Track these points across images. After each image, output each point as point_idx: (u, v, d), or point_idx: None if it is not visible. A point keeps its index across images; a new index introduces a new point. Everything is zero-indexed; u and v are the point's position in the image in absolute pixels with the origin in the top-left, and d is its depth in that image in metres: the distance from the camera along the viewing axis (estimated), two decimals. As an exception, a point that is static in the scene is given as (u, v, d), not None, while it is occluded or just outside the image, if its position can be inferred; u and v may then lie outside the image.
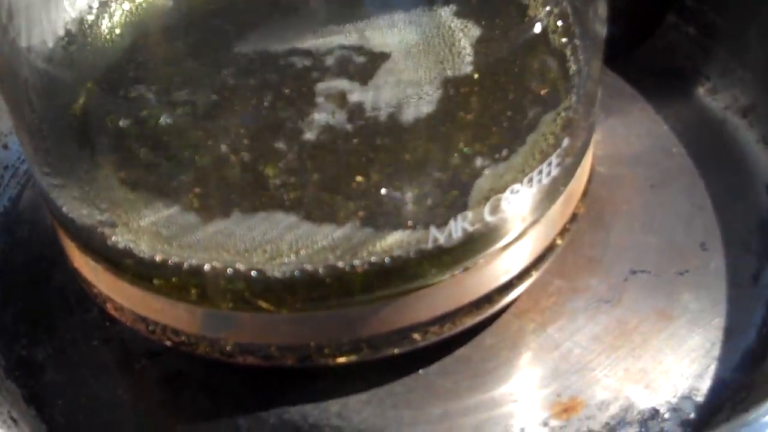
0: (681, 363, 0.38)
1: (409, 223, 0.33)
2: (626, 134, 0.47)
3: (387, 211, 0.34)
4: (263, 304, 0.34)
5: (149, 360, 0.39)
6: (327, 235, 0.33)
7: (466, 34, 0.36)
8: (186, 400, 0.38)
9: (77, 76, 0.35)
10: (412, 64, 0.35)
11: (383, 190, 0.33)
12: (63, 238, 0.38)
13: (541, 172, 0.35)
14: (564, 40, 0.37)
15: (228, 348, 0.36)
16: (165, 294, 0.35)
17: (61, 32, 0.35)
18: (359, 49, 0.35)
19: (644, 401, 0.37)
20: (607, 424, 0.37)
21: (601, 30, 0.38)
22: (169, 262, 0.34)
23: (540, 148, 0.35)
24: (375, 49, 0.35)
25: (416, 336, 0.36)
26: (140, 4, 0.37)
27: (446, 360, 0.39)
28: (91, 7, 0.37)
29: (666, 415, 0.37)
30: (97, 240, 0.35)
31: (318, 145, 0.33)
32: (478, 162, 0.34)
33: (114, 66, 0.36)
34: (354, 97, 0.34)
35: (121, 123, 0.34)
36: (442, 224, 0.34)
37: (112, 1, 0.37)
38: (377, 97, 0.34)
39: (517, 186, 0.34)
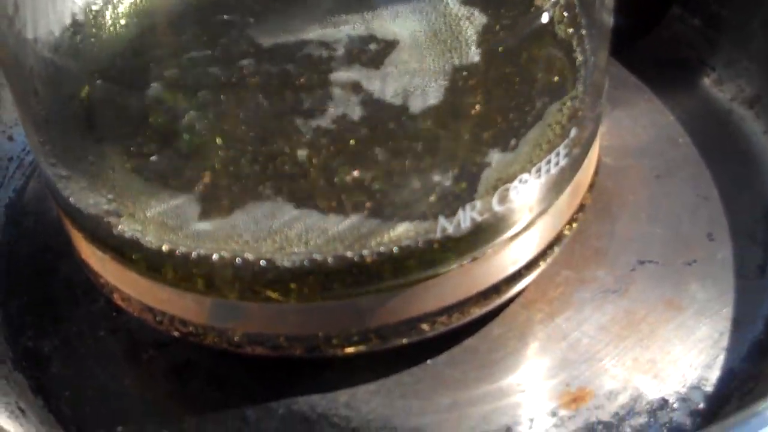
0: (689, 353, 0.38)
1: (418, 213, 0.33)
2: (632, 125, 0.46)
3: (395, 200, 0.34)
4: (272, 294, 0.34)
5: (156, 351, 0.39)
6: (336, 224, 0.33)
7: (473, 24, 0.35)
8: (194, 390, 0.38)
9: (83, 65, 0.35)
10: (419, 53, 0.35)
11: (392, 180, 0.33)
12: (70, 228, 0.38)
13: (549, 162, 0.35)
14: (571, 29, 0.37)
15: (236, 338, 0.36)
16: (172, 284, 0.35)
17: (68, 22, 0.35)
18: (366, 39, 0.35)
19: (653, 391, 0.37)
20: (616, 414, 0.37)
21: (608, 19, 0.38)
22: (177, 252, 0.34)
23: (547, 138, 0.35)
24: (382, 38, 0.35)
25: (424, 326, 0.36)
26: (147, -7, 0.37)
27: (454, 350, 0.39)
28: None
29: (675, 405, 0.37)
30: (104, 230, 0.35)
31: (326, 134, 0.33)
32: (487, 152, 0.34)
33: (120, 56, 0.36)
34: (362, 86, 0.34)
35: (127, 113, 0.34)
36: (450, 214, 0.33)
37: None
38: (385, 87, 0.34)
39: (525, 176, 0.34)
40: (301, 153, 0.33)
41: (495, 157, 0.34)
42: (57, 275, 0.42)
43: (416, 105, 0.34)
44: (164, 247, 0.34)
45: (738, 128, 0.46)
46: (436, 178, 0.33)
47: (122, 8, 0.36)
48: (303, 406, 0.37)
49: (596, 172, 0.40)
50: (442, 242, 0.34)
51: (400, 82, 0.34)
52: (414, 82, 0.34)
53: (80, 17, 0.36)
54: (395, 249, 0.33)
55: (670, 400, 0.37)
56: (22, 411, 0.38)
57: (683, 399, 0.37)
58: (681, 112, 0.47)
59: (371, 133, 0.34)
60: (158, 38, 0.37)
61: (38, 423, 0.38)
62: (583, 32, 0.37)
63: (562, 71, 0.36)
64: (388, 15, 0.35)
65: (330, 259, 0.33)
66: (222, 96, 0.34)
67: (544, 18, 0.35)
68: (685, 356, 0.38)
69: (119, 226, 0.35)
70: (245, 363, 0.38)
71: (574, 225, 0.39)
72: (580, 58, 0.37)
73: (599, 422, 0.37)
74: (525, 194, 0.35)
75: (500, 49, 0.35)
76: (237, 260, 0.33)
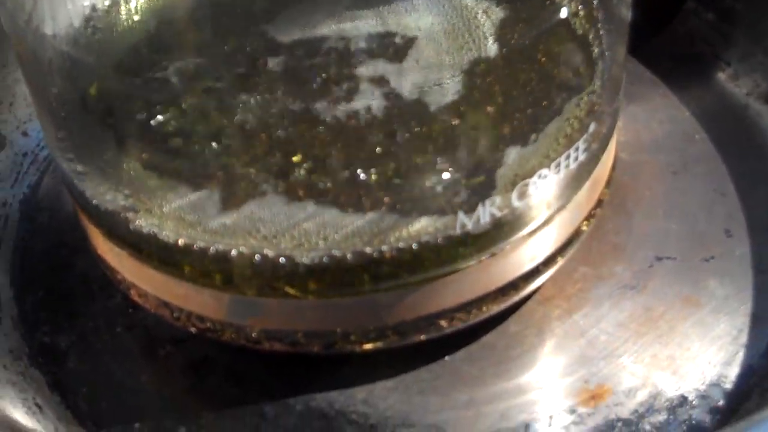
0: (708, 350, 0.38)
1: (437, 208, 0.33)
2: (648, 120, 0.46)
3: (415, 196, 0.33)
4: (290, 290, 0.34)
5: (174, 347, 0.39)
6: (355, 220, 0.33)
7: (491, 19, 0.35)
8: (211, 387, 0.38)
9: (101, 59, 0.35)
10: (437, 49, 0.35)
11: (411, 176, 0.33)
12: (86, 224, 0.38)
13: (568, 157, 0.35)
14: (589, 24, 0.36)
15: (254, 334, 0.36)
16: (190, 280, 0.35)
17: (86, 15, 0.35)
18: (384, 35, 0.35)
19: (672, 388, 0.37)
20: (636, 411, 0.37)
21: (626, 13, 0.37)
22: (195, 247, 0.34)
23: (566, 133, 0.35)
24: (400, 34, 0.35)
25: (442, 322, 0.36)
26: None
27: (472, 347, 0.39)
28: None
29: (694, 402, 0.37)
30: (121, 225, 0.35)
31: (345, 129, 0.33)
32: (506, 147, 0.34)
33: (138, 50, 0.36)
34: (380, 82, 0.34)
35: (145, 107, 0.34)
36: (470, 210, 0.33)
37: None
38: (403, 82, 0.34)
39: (544, 171, 0.34)
40: (320, 148, 0.33)
41: (514, 152, 0.34)
42: (72, 271, 0.42)
43: (435, 100, 0.34)
44: (182, 243, 0.34)
45: (754, 123, 0.46)
46: (456, 173, 0.33)
47: (140, 1, 0.36)
48: (321, 403, 0.37)
49: (613, 167, 0.40)
50: (461, 238, 0.34)
51: (419, 78, 0.34)
52: (432, 77, 0.34)
53: (98, 10, 0.35)
54: (414, 245, 0.33)
55: (690, 397, 0.37)
56: (39, 407, 0.38)
57: (702, 396, 0.37)
58: (697, 108, 0.47)
59: (390, 128, 0.33)
60: (176, 32, 0.37)
61: (55, 419, 0.37)
62: (601, 26, 0.37)
63: (581, 66, 0.36)
64: (406, 10, 0.35)
65: (349, 255, 0.33)
66: (240, 90, 0.34)
67: (563, 12, 0.35)
68: (704, 353, 0.38)
69: (137, 222, 0.34)
70: (263, 359, 0.38)
71: (592, 220, 0.39)
72: (598, 52, 0.37)
73: (618, 419, 0.36)
74: (544, 189, 0.35)
75: (519, 43, 0.35)
76: (256, 256, 0.33)
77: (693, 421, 0.36)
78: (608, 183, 0.39)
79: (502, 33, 0.35)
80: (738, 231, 0.42)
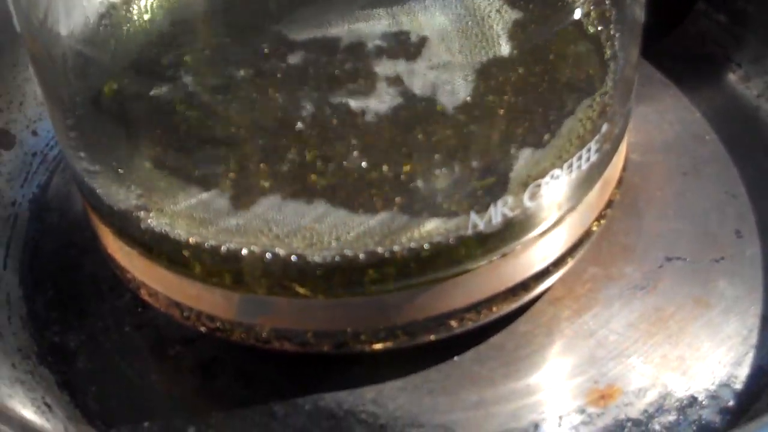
0: (718, 350, 0.38)
1: (449, 208, 0.33)
2: (658, 121, 0.46)
3: (427, 196, 0.33)
4: (300, 290, 0.34)
5: (183, 346, 0.39)
6: (366, 220, 0.33)
7: (503, 19, 0.35)
8: (221, 386, 0.38)
9: (114, 58, 0.35)
10: (450, 49, 0.35)
11: (423, 176, 0.33)
12: (96, 223, 0.38)
13: (580, 158, 0.35)
14: (601, 25, 0.36)
15: (264, 334, 0.36)
16: (200, 279, 0.35)
17: (100, 13, 0.35)
18: (397, 34, 0.35)
19: (682, 388, 0.37)
20: (645, 411, 0.36)
21: (639, 14, 0.37)
22: (206, 246, 0.34)
23: (578, 134, 0.35)
24: (413, 33, 0.35)
25: (453, 323, 0.36)
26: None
27: (481, 347, 0.38)
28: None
29: (704, 402, 0.37)
30: (132, 224, 0.35)
31: (358, 129, 0.33)
32: (519, 147, 0.34)
33: (151, 48, 0.36)
34: (393, 81, 0.34)
35: (157, 105, 0.34)
36: (481, 210, 0.33)
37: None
38: (415, 82, 0.34)
39: (556, 171, 0.34)
40: (332, 148, 0.33)
41: (526, 152, 0.34)
42: (82, 270, 0.42)
43: (447, 100, 0.34)
44: (193, 241, 0.34)
45: (765, 125, 0.46)
46: (468, 173, 0.33)
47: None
48: (330, 403, 0.37)
49: (624, 168, 0.40)
50: (472, 238, 0.34)
51: (431, 77, 0.34)
52: (445, 77, 0.34)
53: (112, 9, 0.35)
54: (426, 245, 0.33)
55: (700, 398, 0.37)
56: (49, 406, 0.38)
57: (712, 396, 0.37)
58: (707, 109, 0.47)
59: (402, 128, 0.33)
60: (189, 31, 0.37)
61: (65, 418, 0.37)
62: (614, 27, 0.37)
63: (593, 67, 0.36)
64: (418, 9, 0.35)
65: (360, 255, 0.33)
66: (252, 89, 0.34)
67: (576, 13, 0.35)
68: (714, 353, 0.38)
69: (148, 220, 0.34)
70: (272, 359, 0.38)
71: (603, 221, 0.39)
72: (610, 53, 0.37)
73: (628, 419, 0.36)
74: (556, 190, 0.35)
75: (532, 44, 0.35)
76: (266, 255, 0.33)
77: (703, 422, 0.36)
78: (619, 184, 0.39)
79: (515, 33, 0.35)
80: (748, 232, 0.42)
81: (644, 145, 0.45)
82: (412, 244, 0.33)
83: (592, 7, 0.36)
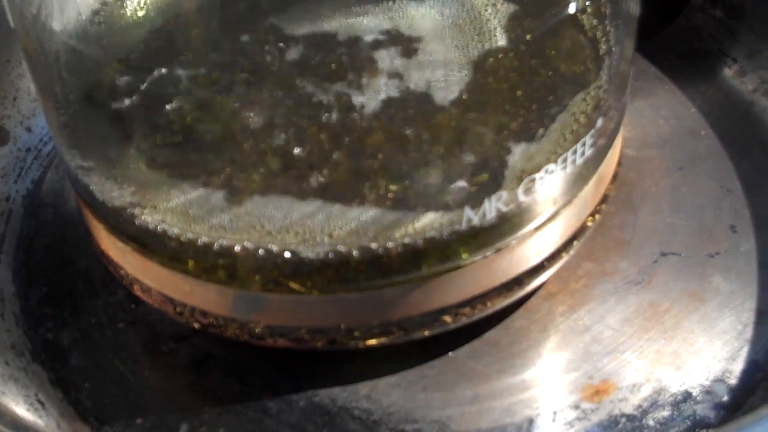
0: (713, 345, 0.38)
1: (443, 203, 0.33)
2: (653, 116, 0.46)
3: (421, 191, 0.33)
4: (294, 286, 0.34)
5: (176, 343, 0.39)
6: (360, 215, 0.33)
7: (498, 14, 0.35)
8: (214, 383, 0.38)
9: (108, 53, 0.35)
10: (443, 44, 0.35)
11: (417, 171, 0.33)
12: (89, 219, 0.37)
13: (575, 152, 0.35)
14: (596, 19, 0.36)
15: (257, 330, 0.36)
16: (194, 275, 0.35)
17: (94, 9, 0.35)
18: (389, 30, 0.35)
19: (676, 384, 0.37)
20: (640, 406, 0.36)
21: (634, 9, 0.37)
22: (199, 242, 0.34)
23: (573, 129, 0.35)
24: (405, 29, 0.35)
25: (447, 318, 0.36)
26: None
27: (476, 343, 0.38)
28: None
29: (699, 398, 0.37)
30: (125, 221, 0.35)
31: (350, 124, 0.33)
32: (513, 142, 0.34)
33: (145, 44, 0.36)
34: (386, 77, 0.34)
35: (151, 102, 0.34)
36: (476, 205, 0.33)
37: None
38: (410, 77, 0.34)
39: (551, 166, 0.34)
40: (325, 143, 0.33)
41: (521, 147, 0.34)
42: (76, 267, 0.42)
43: (442, 95, 0.33)
44: (186, 238, 0.34)
45: (760, 119, 0.46)
46: (462, 168, 0.33)
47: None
48: (324, 399, 0.37)
49: (619, 163, 0.40)
50: (466, 233, 0.34)
51: (426, 73, 0.34)
52: (439, 72, 0.34)
53: (106, 4, 0.35)
54: (420, 240, 0.33)
55: (694, 393, 0.37)
56: (42, 403, 0.38)
57: (707, 391, 0.37)
58: (703, 104, 0.47)
59: (396, 123, 0.33)
60: (182, 27, 0.36)
61: (58, 415, 0.37)
62: (609, 21, 0.37)
63: (588, 61, 0.36)
64: (413, 5, 0.35)
65: (354, 251, 0.33)
66: (244, 85, 0.34)
67: (571, 8, 0.35)
68: (709, 348, 0.38)
69: (141, 217, 0.34)
70: (266, 355, 0.38)
71: (597, 216, 0.38)
72: (605, 47, 0.36)
73: (623, 415, 0.36)
74: (550, 185, 0.34)
75: (527, 39, 0.35)
76: (260, 251, 0.33)
77: (697, 417, 0.36)
78: (614, 178, 0.39)
79: (509, 28, 0.35)
80: (743, 227, 0.42)
81: (639, 140, 0.45)
82: (406, 240, 0.33)
83: (587, 2, 0.36)
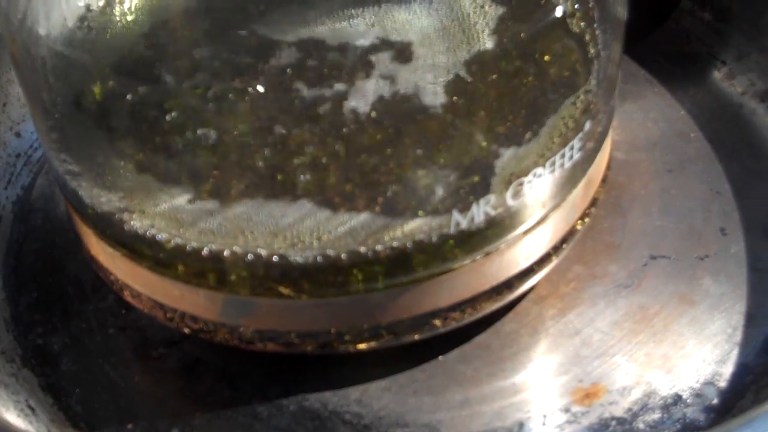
0: (703, 348, 0.38)
1: (432, 207, 0.33)
2: (643, 119, 0.46)
3: (409, 195, 0.33)
4: (284, 290, 0.34)
5: (167, 348, 0.39)
6: (348, 220, 0.33)
7: (486, 17, 0.35)
8: (204, 388, 0.38)
9: (95, 59, 0.35)
10: (432, 48, 0.35)
11: (405, 175, 0.33)
12: (79, 224, 0.37)
13: (563, 156, 0.35)
14: (584, 22, 0.36)
15: (247, 335, 0.36)
16: (184, 280, 0.35)
17: (80, 15, 0.35)
18: (379, 33, 0.35)
19: (666, 387, 0.37)
20: (630, 409, 0.36)
21: (622, 13, 0.37)
22: (189, 247, 0.34)
23: (561, 132, 0.35)
24: (394, 34, 0.35)
25: (436, 322, 0.36)
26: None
27: (466, 347, 0.38)
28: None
29: (689, 401, 0.37)
30: (114, 226, 0.35)
31: (338, 128, 0.33)
32: (501, 146, 0.34)
33: (132, 50, 0.35)
34: (374, 81, 0.34)
35: (139, 107, 0.34)
36: (464, 209, 0.33)
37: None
38: (397, 82, 0.34)
39: (540, 170, 0.34)
40: (314, 148, 0.33)
41: (509, 151, 0.34)
42: (66, 272, 0.42)
43: (429, 99, 0.33)
44: (176, 243, 0.34)
45: (749, 122, 0.46)
46: (450, 172, 0.33)
47: (135, 1, 0.36)
48: (314, 403, 0.37)
49: (608, 166, 0.40)
50: (455, 237, 0.34)
51: (414, 76, 0.34)
52: (427, 76, 0.34)
53: (93, 10, 0.35)
54: (408, 244, 0.33)
55: (684, 396, 0.37)
56: (32, 409, 0.37)
57: (697, 394, 0.37)
58: (692, 106, 0.47)
59: (384, 127, 0.33)
60: (170, 32, 0.36)
61: (48, 421, 0.37)
62: (597, 25, 0.37)
63: (576, 64, 0.36)
64: (401, 8, 0.35)
65: (343, 255, 0.33)
66: (233, 90, 0.34)
67: (558, 11, 0.35)
68: (699, 351, 0.38)
69: (130, 222, 0.34)
70: (256, 360, 0.38)
71: (587, 220, 0.38)
72: (593, 50, 0.36)
73: (612, 418, 0.36)
74: (539, 188, 0.34)
75: (515, 42, 0.35)
76: (249, 256, 0.33)
77: (687, 420, 0.36)
78: (603, 182, 0.39)
79: (497, 32, 0.35)
80: (733, 229, 0.42)
81: (629, 143, 0.45)
82: (395, 244, 0.33)
83: (575, 6, 0.36)
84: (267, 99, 0.34)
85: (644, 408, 0.36)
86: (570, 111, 0.35)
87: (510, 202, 0.34)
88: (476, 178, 0.33)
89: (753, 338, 0.38)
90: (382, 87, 0.34)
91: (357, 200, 0.33)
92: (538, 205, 0.35)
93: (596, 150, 0.37)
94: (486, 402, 0.37)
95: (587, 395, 0.37)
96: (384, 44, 0.34)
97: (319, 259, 0.33)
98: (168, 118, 0.34)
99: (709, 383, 0.37)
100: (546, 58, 0.35)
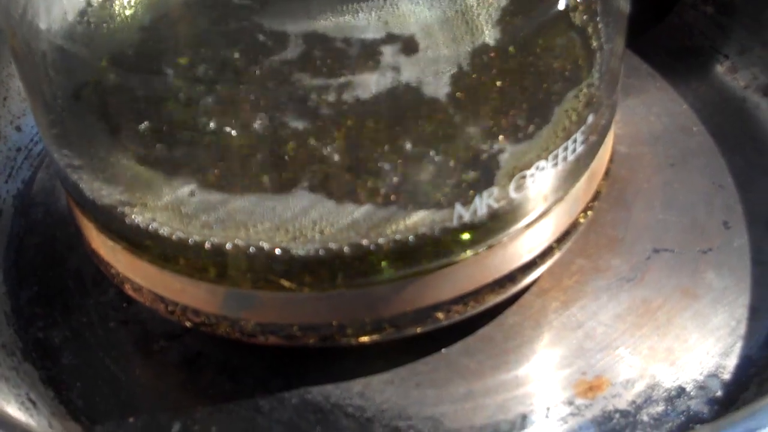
0: (706, 341, 0.38)
1: (435, 200, 0.33)
2: (645, 113, 0.46)
3: (412, 188, 0.33)
4: (285, 283, 0.34)
5: (168, 342, 0.39)
6: (351, 213, 0.33)
7: (489, 10, 0.35)
8: (206, 381, 0.38)
9: (96, 53, 0.35)
10: (435, 41, 0.35)
11: (408, 167, 0.33)
12: (80, 218, 0.37)
13: (566, 149, 0.35)
14: (588, 16, 0.36)
15: (249, 328, 0.36)
16: (185, 273, 0.35)
17: (81, 9, 0.35)
18: (381, 25, 0.35)
19: (670, 379, 0.37)
20: (633, 402, 0.36)
21: (625, 6, 0.37)
22: (190, 240, 0.34)
23: (564, 126, 0.35)
24: (397, 26, 0.35)
25: (439, 315, 0.36)
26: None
27: (469, 339, 0.38)
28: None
29: (692, 393, 0.36)
30: (116, 219, 0.35)
31: (341, 121, 0.33)
32: (504, 139, 0.34)
33: (132, 43, 0.35)
34: (377, 74, 0.34)
35: (140, 100, 0.34)
36: (467, 201, 0.33)
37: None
38: (401, 73, 0.34)
39: (542, 163, 0.34)
40: (316, 140, 0.33)
41: (512, 144, 0.34)
42: (66, 266, 0.42)
43: (432, 92, 0.33)
44: (177, 236, 0.34)
45: (752, 116, 0.46)
46: (453, 165, 0.33)
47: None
48: (317, 396, 0.37)
49: (611, 160, 0.40)
50: (458, 230, 0.33)
51: (416, 69, 0.34)
52: (430, 69, 0.34)
53: (93, 4, 0.35)
54: (411, 237, 0.33)
55: (688, 388, 0.37)
56: (33, 402, 0.37)
57: (701, 387, 0.37)
58: (694, 100, 0.47)
59: (387, 119, 0.33)
60: (170, 26, 0.36)
61: (49, 414, 0.37)
62: (600, 18, 0.36)
63: (579, 58, 0.36)
64: (404, 2, 0.35)
65: (345, 248, 0.33)
66: (235, 83, 0.34)
67: (561, 4, 0.35)
68: (702, 344, 0.38)
69: (132, 215, 0.34)
70: (258, 353, 0.38)
71: (590, 213, 0.38)
72: (596, 44, 0.36)
73: (616, 411, 0.36)
74: (542, 181, 0.34)
75: (518, 35, 0.35)
76: (251, 249, 0.33)
77: (691, 412, 0.36)
78: (606, 175, 0.39)
79: (500, 25, 0.35)
80: (736, 223, 0.42)
81: (631, 137, 0.45)
82: (398, 236, 0.33)
83: (576, -2, 0.36)
84: (268, 91, 0.34)
85: (648, 400, 0.36)
86: (573, 104, 0.35)
87: (513, 195, 0.34)
88: (479, 171, 0.33)
89: (756, 331, 0.38)
90: (385, 80, 0.33)
91: (359, 193, 0.33)
92: (541, 198, 0.35)
93: (599, 143, 0.37)
94: (489, 395, 0.37)
95: (590, 388, 0.37)
96: (388, 36, 0.34)
97: (321, 252, 0.33)
98: (169, 111, 0.34)
99: (713, 376, 0.37)
100: (549, 51, 0.35)
